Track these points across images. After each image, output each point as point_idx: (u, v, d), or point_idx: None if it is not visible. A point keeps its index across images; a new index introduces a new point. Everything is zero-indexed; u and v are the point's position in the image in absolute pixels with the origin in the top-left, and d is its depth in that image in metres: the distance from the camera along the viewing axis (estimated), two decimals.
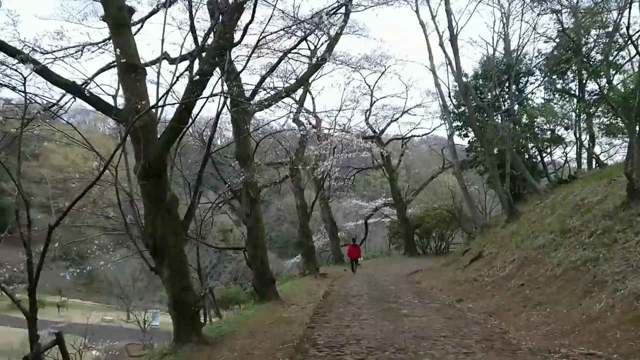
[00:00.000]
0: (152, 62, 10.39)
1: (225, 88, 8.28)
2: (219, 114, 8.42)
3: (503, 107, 22.08)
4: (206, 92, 8.22)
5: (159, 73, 8.07)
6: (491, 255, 15.72)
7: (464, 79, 22.03)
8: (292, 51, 16.88)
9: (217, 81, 8.38)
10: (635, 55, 19.86)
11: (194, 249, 16.08)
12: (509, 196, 18.88)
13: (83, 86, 8.40)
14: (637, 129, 11.12)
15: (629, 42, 13.66)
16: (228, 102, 10.20)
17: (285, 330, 9.02)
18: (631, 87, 17.80)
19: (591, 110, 21.38)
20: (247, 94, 14.40)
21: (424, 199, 37.29)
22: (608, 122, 21.51)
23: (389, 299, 13.09)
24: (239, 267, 39.27)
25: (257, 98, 14.96)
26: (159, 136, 8.12)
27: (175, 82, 7.38)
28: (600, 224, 10.29)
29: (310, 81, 21.87)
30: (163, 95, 6.99)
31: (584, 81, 23.34)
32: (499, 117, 22.51)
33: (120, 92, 8.27)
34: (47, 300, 52.29)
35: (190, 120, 7.89)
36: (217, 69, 9.78)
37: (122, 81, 8.27)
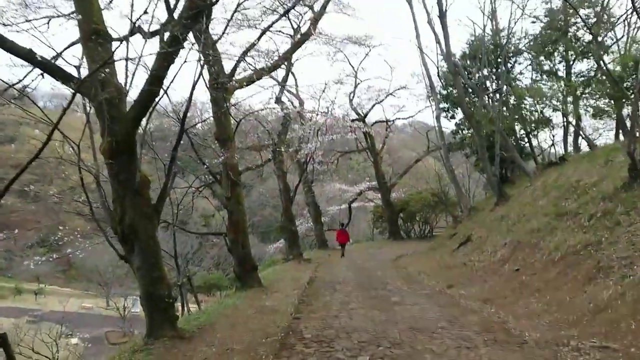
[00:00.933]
0: (125, 37, 9.50)
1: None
2: (194, 83, 7.62)
3: (491, 88, 21.54)
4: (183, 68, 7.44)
5: (128, 42, 7.21)
6: (480, 239, 15.27)
7: (453, 59, 21.39)
8: (275, 27, 16.03)
9: (192, 48, 7.58)
10: (622, 36, 19.63)
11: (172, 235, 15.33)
12: (498, 178, 18.44)
13: (52, 60, 7.55)
14: None
15: (633, 10, 13.12)
16: (205, 74, 9.36)
17: (269, 321, 8.35)
18: (619, 68, 17.50)
19: (578, 92, 20.99)
20: (227, 72, 13.56)
21: (409, 183, 36.86)
22: (595, 104, 21.20)
23: (377, 286, 12.53)
24: (222, 252, 38.62)
25: (238, 76, 14.12)
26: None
27: (130, 35, 6.55)
28: (599, 206, 9.79)
29: (293, 61, 21.05)
30: (117, 47, 6.15)
31: (571, 62, 23.00)
32: (487, 98, 22.01)
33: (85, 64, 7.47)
34: (24, 287, 51.08)
35: (162, 92, 7.04)
36: (195, 42, 8.99)
37: (85, 49, 7.46)
